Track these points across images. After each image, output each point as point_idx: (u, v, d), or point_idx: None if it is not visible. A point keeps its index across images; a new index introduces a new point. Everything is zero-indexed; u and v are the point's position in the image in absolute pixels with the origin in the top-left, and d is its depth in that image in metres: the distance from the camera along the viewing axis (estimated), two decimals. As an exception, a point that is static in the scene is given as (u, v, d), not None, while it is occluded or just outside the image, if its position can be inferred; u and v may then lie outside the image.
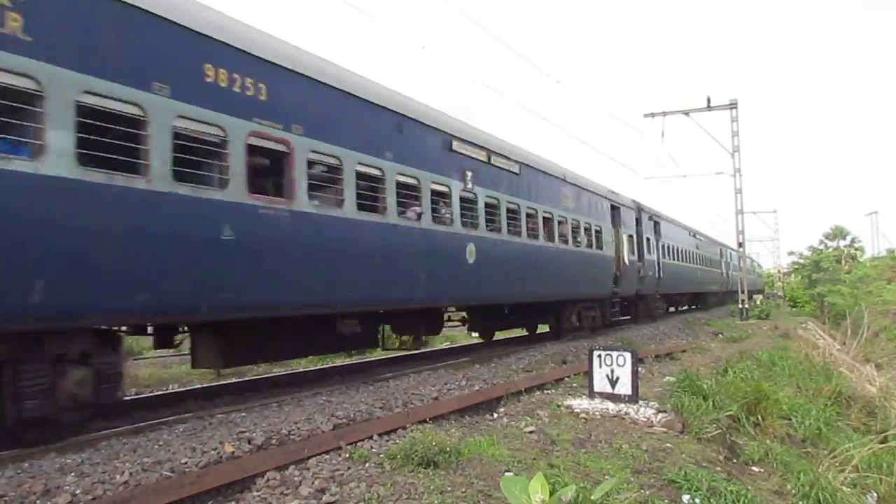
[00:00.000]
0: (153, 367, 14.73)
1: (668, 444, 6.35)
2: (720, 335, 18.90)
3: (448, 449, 5.21)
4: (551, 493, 2.21)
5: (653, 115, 29.00)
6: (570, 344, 14.57)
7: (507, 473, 5.05)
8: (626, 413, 7.28)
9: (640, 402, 7.62)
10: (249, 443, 5.56)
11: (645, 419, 7.13)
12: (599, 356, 7.87)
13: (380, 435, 5.96)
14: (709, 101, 27.84)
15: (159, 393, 10.37)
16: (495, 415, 7.32)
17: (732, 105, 27.67)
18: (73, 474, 4.85)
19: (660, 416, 7.21)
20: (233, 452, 5.32)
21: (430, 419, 6.62)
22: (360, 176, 8.71)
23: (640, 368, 8.22)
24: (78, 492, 4.49)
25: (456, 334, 23.09)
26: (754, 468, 6.89)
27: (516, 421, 6.87)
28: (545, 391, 8.68)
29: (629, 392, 7.64)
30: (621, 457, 5.82)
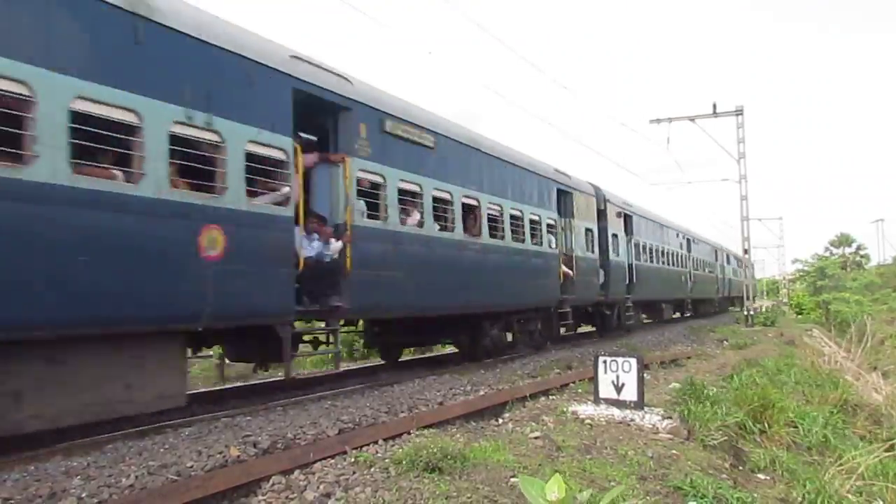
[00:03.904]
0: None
1: (674, 451, 6.33)
2: (725, 342, 18.84)
3: (453, 454, 5.20)
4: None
5: (658, 121, 28.97)
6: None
7: (512, 479, 5.04)
8: (632, 419, 7.25)
9: (646, 409, 7.60)
10: (255, 447, 5.56)
11: (650, 426, 7.10)
12: (605, 362, 7.85)
13: (385, 440, 5.96)
14: (714, 107, 27.84)
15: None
16: (500, 420, 7.30)
17: (738, 111, 27.66)
18: (78, 477, 4.85)
19: (665, 422, 7.19)
20: (238, 456, 5.32)
21: (435, 424, 6.61)
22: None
23: (645, 375, 8.20)
24: (84, 495, 4.49)
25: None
26: (760, 476, 6.87)
27: (521, 426, 6.86)
28: (550, 397, 8.66)
29: (635, 398, 7.62)
30: (627, 463, 5.80)
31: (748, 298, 28.25)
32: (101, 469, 5.07)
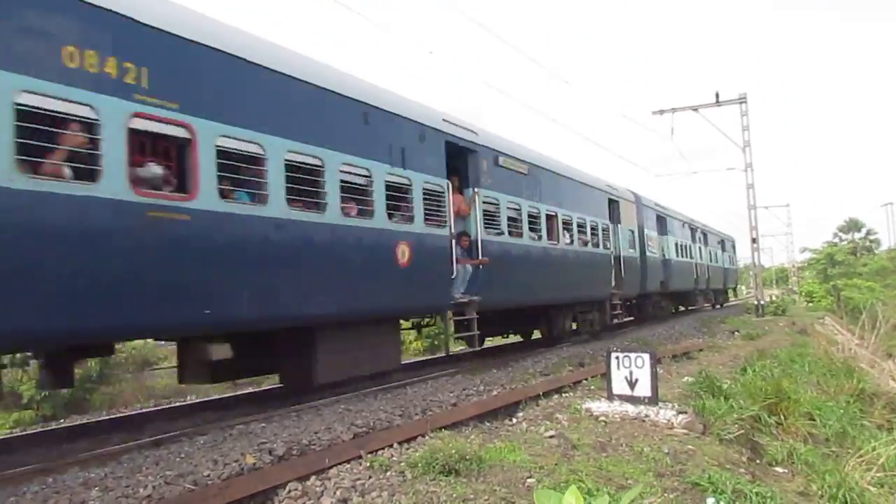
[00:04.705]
0: (170, 377, 14.82)
1: (690, 446, 6.29)
2: (737, 333, 18.75)
3: (469, 456, 5.20)
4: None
5: (661, 111, 28.90)
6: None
7: (528, 480, 5.02)
8: (647, 415, 7.22)
9: (660, 404, 7.56)
10: (270, 453, 5.57)
11: (665, 421, 7.07)
12: (618, 358, 7.81)
13: (400, 443, 5.95)
14: (717, 96, 27.78)
15: (179, 404, 10.43)
16: (514, 420, 7.29)
17: (742, 99, 27.55)
18: (96, 489, 4.87)
19: (680, 417, 7.15)
20: (254, 464, 5.33)
21: (449, 426, 6.60)
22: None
23: (658, 369, 8.16)
24: (102, 506, 4.51)
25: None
26: (778, 469, 6.82)
27: (536, 426, 6.84)
28: (563, 394, 8.63)
29: (649, 394, 7.58)
30: (643, 460, 5.77)
31: (756, 287, 27.92)
32: (119, 479, 5.08)
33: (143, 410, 9.79)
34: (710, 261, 32.75)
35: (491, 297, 11.63)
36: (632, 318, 22.89)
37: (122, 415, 9.57)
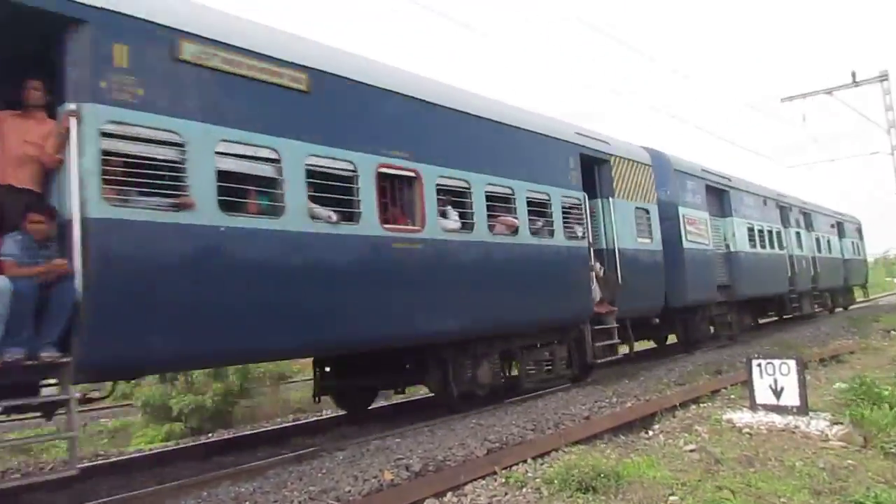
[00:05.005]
0: (304, 390, 15.53)
1: (850, 461, 5.79)
2: (893, 332, 17.11)
3: (605, 472, 5.06)
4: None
5: (791, 98, 27.13)
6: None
7: (671, 497, 4.82)
8: (796, 426, 6.73)
9: (810, 414, 7.03)
10: (407, 469, 5.66)
11: (818, 433, 6.55)
12: (759, 365, 7.37)
13: (534, 458, 5.86)
14: (854, 75, 25.72)
15: (316, 418, 10.88)
16: (650, 432, 7.01)
17: (883, 77, 25.35)
18: (247, 503, 5.15)
19: (835, 428, 6.61)
20: (392, 480, 5.44)
21: (583, 440, 6.45)
22: None
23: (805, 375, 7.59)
24: (254, 520, 4.76)
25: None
26: (958, 486, 6.12)
27: (674, 438, 6.55)
28: (701, 405, 8.21)
29: (797, 403, 7.08)
30: (796, 476, 5.37)
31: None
32: (266, 495, 5.33)
33: (284, 425, 10.30)
34: (818, 251, 23.96)
35: (110, 348, 5.33)
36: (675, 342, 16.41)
37: (264, 429, 10.10)
